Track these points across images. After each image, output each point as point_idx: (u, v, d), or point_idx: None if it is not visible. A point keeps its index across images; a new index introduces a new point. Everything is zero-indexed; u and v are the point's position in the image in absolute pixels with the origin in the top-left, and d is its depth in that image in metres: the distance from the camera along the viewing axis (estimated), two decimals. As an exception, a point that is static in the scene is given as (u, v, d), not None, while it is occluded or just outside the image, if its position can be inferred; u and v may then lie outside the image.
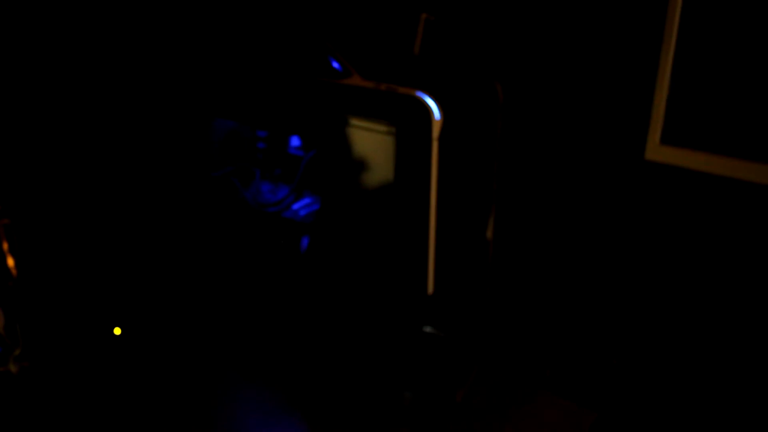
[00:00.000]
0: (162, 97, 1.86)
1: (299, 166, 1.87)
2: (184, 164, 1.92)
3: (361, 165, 1.52)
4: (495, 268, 1.75)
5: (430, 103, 1.38)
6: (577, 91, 1.50)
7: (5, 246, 1.53)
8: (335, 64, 1.59)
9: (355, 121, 1.49)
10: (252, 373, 1.82)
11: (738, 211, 1.33)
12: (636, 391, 1.64)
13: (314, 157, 1.87)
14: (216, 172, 1.97)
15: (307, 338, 1.80)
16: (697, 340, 1.51)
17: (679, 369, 1.57)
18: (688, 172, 1.34)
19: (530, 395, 1.72)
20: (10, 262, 1.54)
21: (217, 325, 1.99)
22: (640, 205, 1.46)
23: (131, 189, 1.92)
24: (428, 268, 1.48)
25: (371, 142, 1.48)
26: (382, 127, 1.44)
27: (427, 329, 1.56)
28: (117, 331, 1.81)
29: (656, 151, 1.36)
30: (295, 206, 1.88)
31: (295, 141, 1.95)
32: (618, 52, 1.41)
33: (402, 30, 1.67)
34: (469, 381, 1.72)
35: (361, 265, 1.60)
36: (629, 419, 1.63)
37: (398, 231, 1.49)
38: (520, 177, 1.67)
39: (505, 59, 1.60)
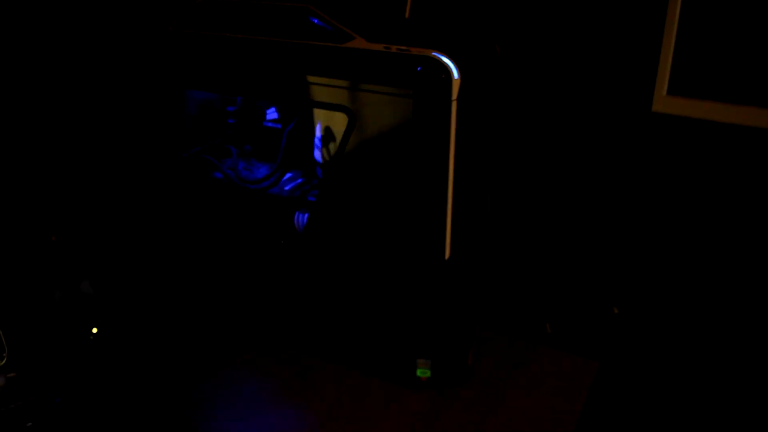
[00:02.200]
0: (126, 65, 1.70)
1: (280, 139, 1.78)
2: (157, 142, 1.78)
3: (370, 132, 1.46)
4: (494, 224, 1.76)
5: (448, 63, 1.35)
6: (578, 45, 1.52)
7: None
8: (328, 28, 1.52)
9: (364, 86, 1.43)
10: (251, 360, 1.73)
11: (747, 158, 1.40)
12: (640, 338, 1.72)
13: (294, 129, 1.78)
14: (187, 152, 1.84)
15: (315, 310, 1.73)
16: (702, 288, 1.59)
17: (682, 319, 1.65)
18: (696, 122, 1.40)
19: (533, 353, 1.75)
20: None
21: (221, 310, 1.87)
22: (647, 158, 1.52)
23: (103, 173, 1.75)
24: (446, 232, 1.47)
25: (382, 107, 1.43)
26: (396, 91, 1.40)
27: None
28: (94, 330, 1.66)
29: (663, 102, 1.41)
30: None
31: (271, 113, 1.86)
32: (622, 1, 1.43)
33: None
34: (474, 343, 1.73)
35: (370, 237, 1.56)
36: (634, 368, 1.70)
37: (414, 196, 1.46)
38: (521, 133, 1.68)
39: (500, 13, 1.59)
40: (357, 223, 1.57)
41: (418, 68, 1.36)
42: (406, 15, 1.60)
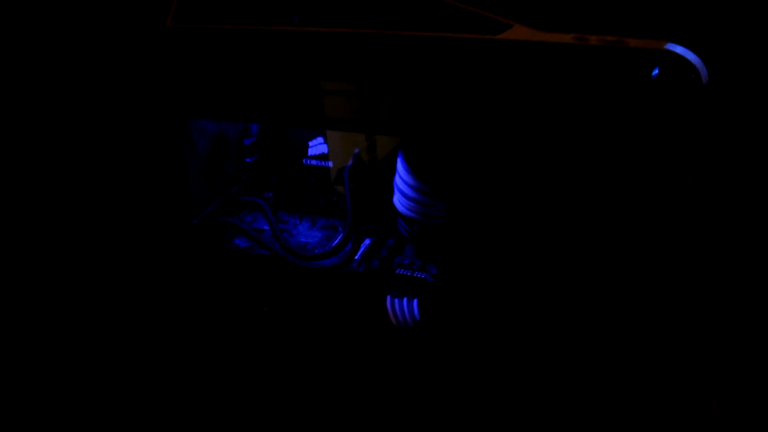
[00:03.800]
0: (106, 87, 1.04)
1: (343, 183, 1.19)
2: (155, 206, 1.12)
3: (534, 168, 0.93)
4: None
5: (694, 60, 0.85)
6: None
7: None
8: (449, 10, 0.96)
9: (542, 97, 0.89)
10: None
11: None
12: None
13: (353, 166, 1.20)
14: (196, 215, 1.19)
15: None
16: None
17: None
18: None
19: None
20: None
21: None
22: None
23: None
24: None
25: (570, 128, 0.90)
26: (601, 103, 0.88)
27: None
28: None
29: None
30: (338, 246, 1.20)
31: (315, 145, 1.25)
32: None
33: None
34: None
35: (527, 327, 1.02)
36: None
37: (623, 266, 0.95)
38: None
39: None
40: (507, 307, 1.03)
41: (654, 70, 0.85)
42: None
